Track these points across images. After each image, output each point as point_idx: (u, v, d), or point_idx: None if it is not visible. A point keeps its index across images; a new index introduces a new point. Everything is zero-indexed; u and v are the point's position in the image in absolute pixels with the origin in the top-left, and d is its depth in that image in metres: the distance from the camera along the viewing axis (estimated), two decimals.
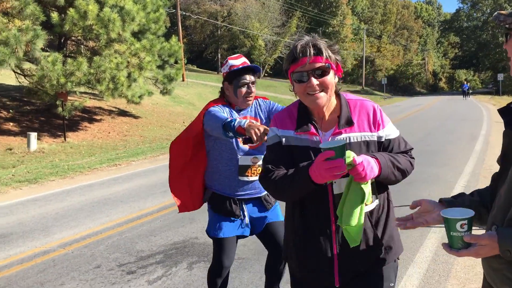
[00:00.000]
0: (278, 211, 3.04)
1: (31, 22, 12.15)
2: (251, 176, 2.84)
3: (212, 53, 51.27)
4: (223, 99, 2.93)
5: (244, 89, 2.82)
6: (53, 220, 6.04)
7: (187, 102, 24.27)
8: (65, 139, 13.97)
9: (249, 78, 2.81)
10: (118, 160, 11.11)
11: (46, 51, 13.40)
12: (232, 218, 2.87)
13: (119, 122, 17.42)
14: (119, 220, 5.98)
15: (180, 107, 22.88)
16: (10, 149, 12.26)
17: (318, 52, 1.78)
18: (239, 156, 2.82)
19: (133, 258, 4.56)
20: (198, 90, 28.03)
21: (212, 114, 2.72)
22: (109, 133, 15.85)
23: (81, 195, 7.55)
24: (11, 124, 14.26)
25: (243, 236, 2.96)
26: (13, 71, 14.08)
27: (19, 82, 14.98)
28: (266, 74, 48.18)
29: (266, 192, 2.85)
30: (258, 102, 3.00)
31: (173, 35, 17.89)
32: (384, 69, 62.76)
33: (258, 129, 2.41)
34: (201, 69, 48.10)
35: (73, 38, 15.48)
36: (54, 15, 12.97)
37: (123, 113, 18.71)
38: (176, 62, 18.64)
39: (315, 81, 1.78)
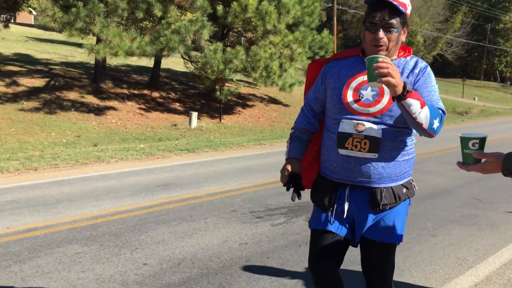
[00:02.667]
0: (395, 222, 2.20)
1: (200, 14, 13.79)
2: (351, 149, 2.09)
3: None
4: (359, 48, 2.27)
5: (369, 33, 2.06)
6: (204, 178, 7.12)
7: None
8: (220, 120, 15.53)
9: (380, 16, 2.01)
10: (263, 141, 12.13)
11: (210, 41, 15.05)
12: (321, 206, 2.24)
13: (269, 109, 18.65)
14: (256, 182, 6.83)
15: None
16: (175, 125, 14.12)
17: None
18: (343, 120, 2.12)
19: (262, 208, 5.33)
20: None
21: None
22: (259, 118, 17.12)
23: (228, 164, 8.61)
24: (178, 104, 16.32)
25: (347, 240, 2.23)
26: (182, 57, 16.05)
27: (186, 68, 17.03)
28: None
29: (384, 182, 2.14)
30: (410, 63, 2.17)
31: (325, 28, 18.48)
32: None
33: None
34: None
35: (234, 29, 17.01)
36: (219, 8, 14.50)
37: (273, 101, 19.93)
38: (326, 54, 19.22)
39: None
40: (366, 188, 2.15)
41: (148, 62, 18.01)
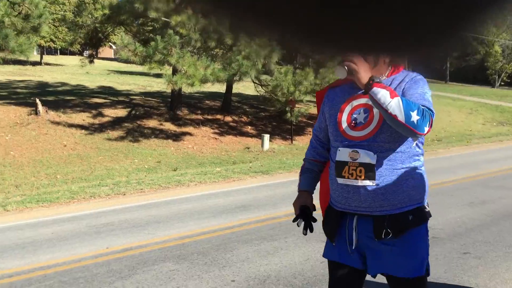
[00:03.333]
0: (411, 252, 2.05)
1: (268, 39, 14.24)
2: (348, 178, 2.05)
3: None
4: None
5: None
6: (280, 199, 7.33)
7: None
8: (292, 141, 15.76)
9: None
10: None
11: (280, 64, 15.44)
12: (330, 237, 2.22)
13: None
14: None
15: None
16: (248, 148, 14.53)
17: None
18: (339, 148, 2.10)
19: None
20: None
21: None
22: None
23: None
24: (250, 127, 16.78)
25: (362, 271, 2.15)
26: (253, 81, 16.56)
27: (257, 91, 17.51)
28: (502, 83, 43.99)
29: (386, 210, 2.04)
30: (399, 78, 2.12)
31: None
32: None
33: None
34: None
35: (302, 51, 17.32)
36: None
37: None
38: None
39: None
40: (369, 217, 2.06)
41: (220, 88, 18.72)
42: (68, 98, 17.79)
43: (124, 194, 8.25)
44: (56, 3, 37.65)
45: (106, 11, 14.84)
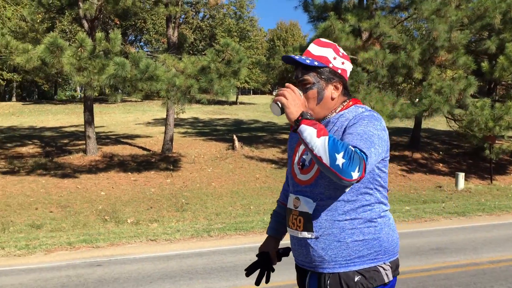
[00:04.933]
0: None
1: (463, 71, 13.37)
2: (291, 227, 1.87)
3: None
4: None
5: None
6: (481, 244, 6.68)
7: None
8: (491, 181, 14.30)
9: (295, 74, 1.88)
10: None
11: (476, 97, 14.31)
12: None
13: None
14: None
15: None
16: (440, 187, 13.63)
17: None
18: (290, 193, 1.92)
19: None
20: None
21: None
22: None
23: (508, 230, 7.86)
24: (441, 164, 15.77)
25: None
26: (445, 117, 15.63)
27: (449, 127, 16.44)
28: None
29: (328, 267, 1.79)
30: (347, 114, 1.85)
31: None
32: None
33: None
34: None
35: (502, 83, 15.81)
36: (484, 64, 13.77)
37: None
38: None
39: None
40: (316, 273, 1.82)
41: (407, 123, 18.11)
42: (260, 134, 19.17)
43: None
44: (251, 47, 41.37)
45: (297, 53, 15.73)
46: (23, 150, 15.56)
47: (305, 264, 1.86)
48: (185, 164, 14.28)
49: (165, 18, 17.63)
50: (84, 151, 14.60)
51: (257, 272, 2.12)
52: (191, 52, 39.48)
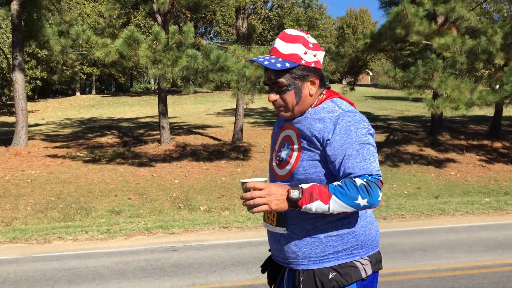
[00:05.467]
0: None
1: None
2: (266, 222, 1.85)
3: None
4: None
5: (270, 93, 1.79)
6: None
7: None
8: None
9: (267, 76, 1.77)
10: None
11: None
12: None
13: None
14: None
15: None
16: None
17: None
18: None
19: None
20: None
21: None
22: None
23: None
24: None
25: None
26: None
27: None
28: None
29: (302, 263, 1.76)
30: (321, 114, 1.75)
31: None
32: None
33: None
34: None
35: None
36: None
37: None
38: None
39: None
40: (291, 270, 1.80)
41: (487, 111, 17.13)
42: None
43: (385, 219, 8.27)
44: (319, 36, 40.89)
45: (368, 40, 15.32)
46: (103, 140, 16.43)
47: (279, 259, 1.85)
48: (255, 154, 14.44)
49: (234, 10, 17.81)
50: (159, 141, 15.16)
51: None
52: (259, 42, 39.66)
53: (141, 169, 12.48)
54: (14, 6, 13.56)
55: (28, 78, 30.09)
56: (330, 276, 1.70)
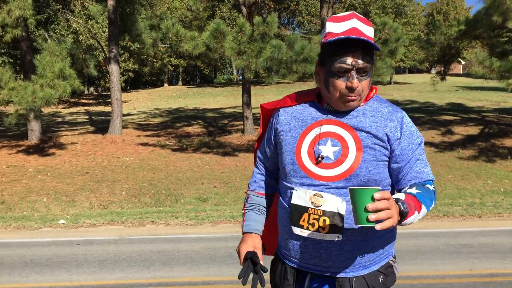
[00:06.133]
0: None
1: None
2: (307, 228, 1.57)
3: None
4: (315, 90, 1.72)
5: (340, 81, 1.53)
6: None
7: None
8: None
9: (353, 60, 1.50)
10: None
11: None
12: None
13: None
14: None
15: None
16: None
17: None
18: (296, 188, 1.62)
19: None
20: None
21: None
22: None
23: None
24: None
25: None
26: None
27: None
28: None
29: (352, 270, 1.61)
30: (383, 112, 1.61)
31: None
32: None
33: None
34: None
35: None
36: None
37: None
38: None
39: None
40: (330, 278, 1.62)
41: None
42: (417, 115, 18.20)
43: (480, 217, 7.82)
44: (407, 23, 39.28)
45: (462, 27, 14.46)
46: (190, 129, 17.03)
47: (316, 268, 1.63)
48: None
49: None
50: (242, 131, 15.43)
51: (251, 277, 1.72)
52: None
53: (226, 158, 12.78)
54: (111, 1, 14.35)
55: (122, 70, 31.91)
56: (380, 279, 1.63)
